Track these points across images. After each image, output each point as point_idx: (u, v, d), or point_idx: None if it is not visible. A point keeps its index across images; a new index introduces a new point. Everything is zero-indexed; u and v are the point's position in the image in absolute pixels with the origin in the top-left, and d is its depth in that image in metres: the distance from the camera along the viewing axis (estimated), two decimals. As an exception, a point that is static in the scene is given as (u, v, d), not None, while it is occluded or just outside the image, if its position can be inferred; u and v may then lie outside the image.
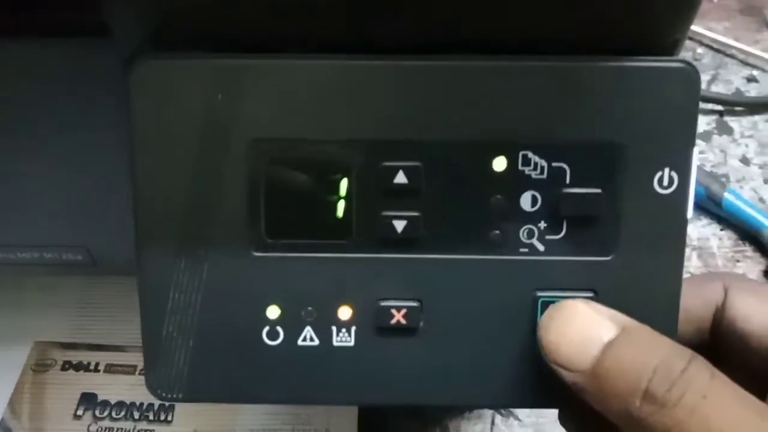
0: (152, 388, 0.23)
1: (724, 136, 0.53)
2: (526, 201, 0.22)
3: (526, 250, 0.22)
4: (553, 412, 0.38)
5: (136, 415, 0.36)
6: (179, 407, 0.37)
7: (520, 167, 0.21)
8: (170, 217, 0.22)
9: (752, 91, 0.56)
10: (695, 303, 0.24)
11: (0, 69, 0.25)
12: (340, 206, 0.22)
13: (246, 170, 0.22)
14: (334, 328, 0.22)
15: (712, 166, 0.51)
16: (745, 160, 0.52)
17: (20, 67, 0.25)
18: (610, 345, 0.20)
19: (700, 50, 0.59)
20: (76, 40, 0.23)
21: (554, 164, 0.21)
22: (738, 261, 0.46)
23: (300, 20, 0.21)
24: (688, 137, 0.21)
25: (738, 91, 0.56)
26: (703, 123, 0.54)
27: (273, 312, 0.22)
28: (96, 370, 0.38)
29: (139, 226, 0.22)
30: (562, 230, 0.22)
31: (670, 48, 0.22)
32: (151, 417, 0.36)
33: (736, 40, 0.59)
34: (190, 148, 0.22)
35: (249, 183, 0.22)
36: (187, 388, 0.23)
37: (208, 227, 0.22)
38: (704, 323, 0.24)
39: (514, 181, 0.22)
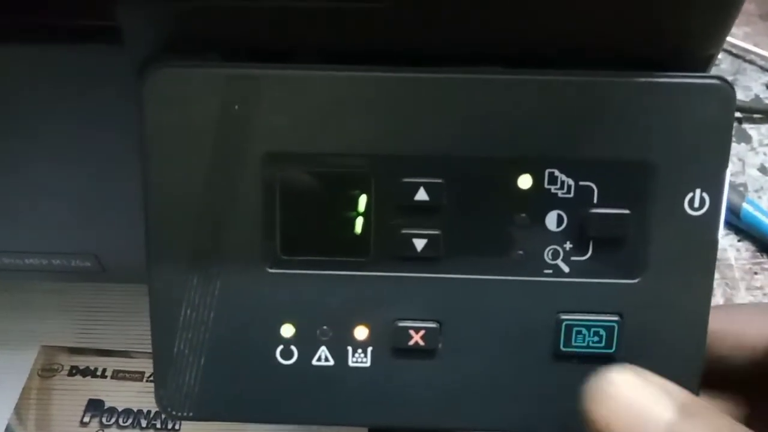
0: (162, 405, 0.22)
1: (743, 145, 0.52)
2: (551, 221, 0.21)
3: (551, 271, 0.21)
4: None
5: (144, 423, 0.36)
6: (187, 416, 0.36)
7: (545, 185, 0.21)
8: (182, 231, 0.21)
9: (772, 99, 0.55)
10: (750, 330, 0.23)
11: (11, 75, 0.24)
12: (359, 223, 0.21)
13: (261, 184, 0.21)
14: (349, 348, 0.22)
15: (731, 176, 0.50)
16: (763, 170, 0.51)
17: (32, 73, 0.24)
18: (671, 428, 0.18)
19: (718, 56, 0.58)
20: (89, 47, 0.23)
21: (581, 183, 0.21)
22: (756, 273, 0.45)
23: (318, 30, 0.21)
24: (721, 157, 0.20)
25: (757, 98, 0.55)
26: (722, 130, 0.53)
27: (287, 330, 0.22)
28: (103, 375, 0.37)
29: (151, 240, 0.21)
30: (588, 251, 0.21)
31: (704, 63, 0.21)
32: (158, 425, 0.36)
33: (756, 45, 0.58)
34: (203, 160, 0.21)
35: (264, 197, 0.21)
36: (197, 406, 0.22)
37: (222, 242, 0.21)
38: (757, 352, 0.23)
39: (540, 199, 0.21)
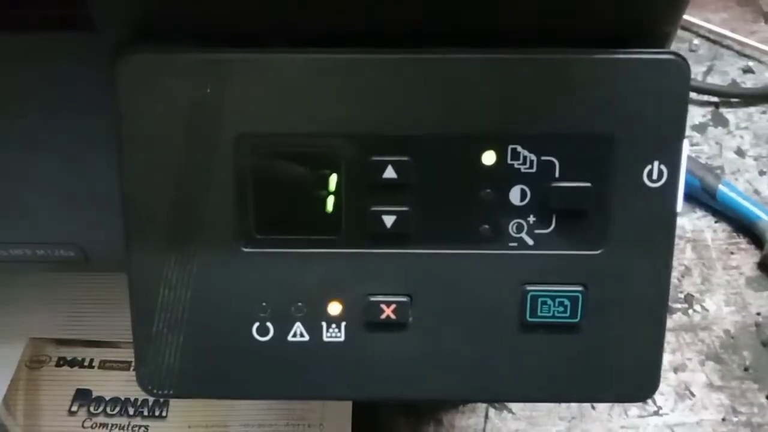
0: (143, 383, 0.23)
1: (720, 128, 0.53)
2: (515, 195, 0.22)
3: (516, 244, 0.22)
4: (547, 406, 0.39)
5: (131, 411, 0.36)
6: (174, 403, 0.37)
7: (509, 161, 0.21)
8: (158, 213, 0.22)
9: (748, 83, 0.56)
10: None
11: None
12: (330, 201, 0.22)
13: (234, 165, 0.22)
14: (324, 324, 0.22)
15: (708, 158, 0.51)
16: (740, 152, 0.51)
17: (7, 63, 0.24)
18: None
19: (696, 41, 0.59)
20: (62, 35, 0.23)
21: (543, 158, 0.21)
22: (732, 253, 0.46)
23: (287, 13, 0.21)
24: (678, 130, 0.21)
25: (734, 83, 0.56)
26: (699, 115, 0.54)
27: (263, 308, 0.22)
28: (90, 366, 0.38)
29: (128, 223, 0.22)
30: (551, 224, 0.22)
31: (662, 40, 0.22)
32: (145, 413, 0.36)
33: (733, 31, 0.58)
34: (177, 144, 0.21)
35: (237, 178, 0.22)
36: (177, 383, 0.23)
37: (197, 223, 0.22)
38: None
39: (504, 175, 0.21)
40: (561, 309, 0.22)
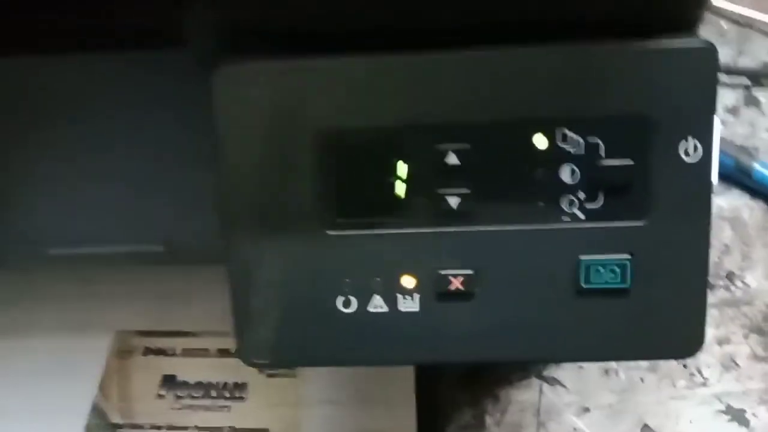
0: (244, 356, 0.26)
1: (753, 109, 0.55)
2: (566, 174, 0.24)
3: (568, 218, 0.24)
4: (598, 380, 0.41)
5: (213, 393, 0.40)
6: (251, 385, 0.40)
7: (559, 144, 0.24)
8: (254, 205, 0.25)
9: (779, 64, 0.57)
10: None
11: (92, 79, 0.28)
12: (401, 187, 0.25)
13: (318, 159, 0.25)
14: (399, 296, 0.25)
15: (742, 139, 0.52)
16: (773, 132, 0.53)
17: (105, 77, 0.28)
18: None
19: (725, 25, 0.60)
20: (154, 51, 0.27)
21: (589, 139, 0.24)
22: (770, 229, 0.48)
23: (360, 21, 0.24)
24: (709, 108, 0.23)
25: (764, 64, 0.57)
26: (731, 97, 0.55)
27: (346, 283, 0.25)
28: (174, 354, 0.41)
29: (226, 214, 0.25)
30: (599, 199, 0.24)
31: (692, 24, 0.24)
32: (227, 395, 0.40)
33: (762, 12, 0.59)
34: (268, 142, 0.25)
35: (321, 170, 0.25)
36: (273, 354, 0.26)
37: (287, 212, 0.25)
38: None
39: (554, 156, 0.24)
40: (612, 275, 0.24)
